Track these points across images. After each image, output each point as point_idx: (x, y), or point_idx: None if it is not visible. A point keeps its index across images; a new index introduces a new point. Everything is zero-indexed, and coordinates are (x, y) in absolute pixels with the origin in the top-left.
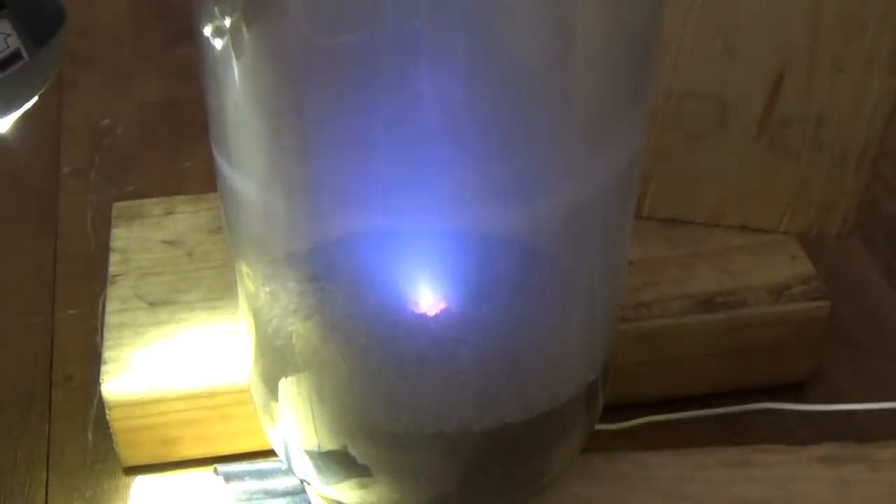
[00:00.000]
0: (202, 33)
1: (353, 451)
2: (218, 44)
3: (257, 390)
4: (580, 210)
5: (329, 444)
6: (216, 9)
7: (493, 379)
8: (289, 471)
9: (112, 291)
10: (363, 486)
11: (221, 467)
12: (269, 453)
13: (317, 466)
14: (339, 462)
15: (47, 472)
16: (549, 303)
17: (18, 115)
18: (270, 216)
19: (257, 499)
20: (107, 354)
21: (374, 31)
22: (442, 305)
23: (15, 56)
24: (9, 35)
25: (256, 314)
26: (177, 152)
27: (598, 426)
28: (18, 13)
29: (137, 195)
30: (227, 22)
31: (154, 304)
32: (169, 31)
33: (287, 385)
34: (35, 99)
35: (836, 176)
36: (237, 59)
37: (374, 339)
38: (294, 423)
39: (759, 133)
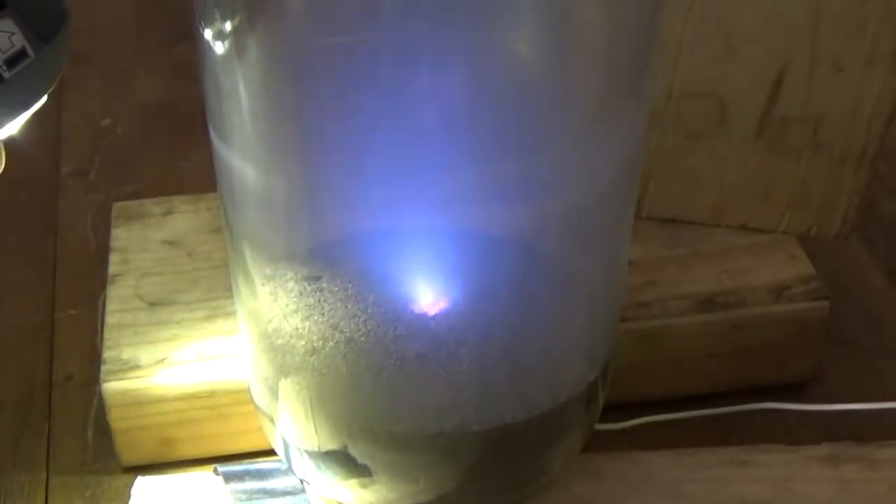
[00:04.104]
0: (202, 33)
1: (353, 451)
2: (218, 43)
3: (257, 390)
4: (580, 210)
5: (329, 444)
6: (216, 9)
7: (493, 379)
8: (289, 471)
9: (112, 291)
10: (363, 486)
11: (221, 467)
12: (269, 453)
13: (317, 466)
14: (339, 462)
15: (47, 472)
16: (549, 302)
17: (28, 116)
18: (270, 216)
19: (257, 499)
20: (107, 354)
21: (374, 32)
22: (442, 305)
23: (21, 54)
24: (13, 34)
25: (256, 314)
26: (176, 152)
27: (598, 426)
28: (21, 12)
29: (137, 195)
30: (228, 22)
31: (154, 304)
32: (169, 31)
33: (287, 385)
34: (44, 99)
35: (836, 176)
36: (237, 58)
37: (374, 338)
38: (294, 423)
39: (759, 133)
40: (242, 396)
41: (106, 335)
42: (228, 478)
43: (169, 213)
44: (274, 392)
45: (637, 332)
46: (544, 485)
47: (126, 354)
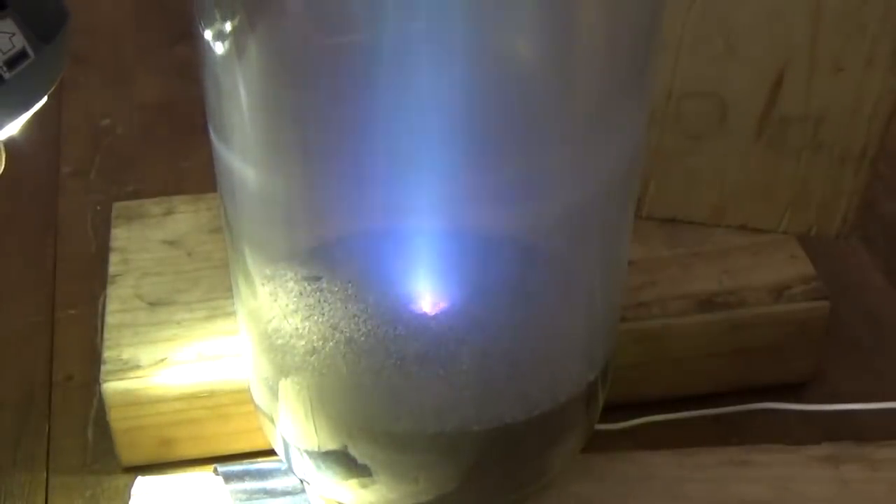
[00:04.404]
0: (202, 33)
1: (353, 451)
2: (218, 43)
3: (257, 390)
4: (580, 210)
5: (329, 444)
6: (216, 9)
7: (493, 378)
8: (289, 471)
9: (112, 291)
10: (363, 486)
11: (221, 467)
12: (269, 453)
13: (317, 466)
14: (339, 462)
15: (47, 472)
16: (549, 302)
17: (28, 117)
18: (270, 216)
19: (257, 499)
20: (107, 354)
21: (374, 32)
22: (442, 305)
23: (21, 55)
24: (13, 34)
25: (256, 314)
26: (176, 152)
27: (598, 426)
28: (21, 12)
29: (137, 195)
30: (228, 22)
31: (154, 304)
32: (169, 31)
33: (287, 385)
34: (44, 100)
35: (836, 176)
36: (237, 58)
37: (374, 338)
38: (294, 423)
39: (759, 133)
40: (242, 396)
41: (106, 335)
42: (228, 478)
43: (169, 213)
44: (274, 392)
45: (637, 332)
46: (544, 485)
47: (126, 354)
